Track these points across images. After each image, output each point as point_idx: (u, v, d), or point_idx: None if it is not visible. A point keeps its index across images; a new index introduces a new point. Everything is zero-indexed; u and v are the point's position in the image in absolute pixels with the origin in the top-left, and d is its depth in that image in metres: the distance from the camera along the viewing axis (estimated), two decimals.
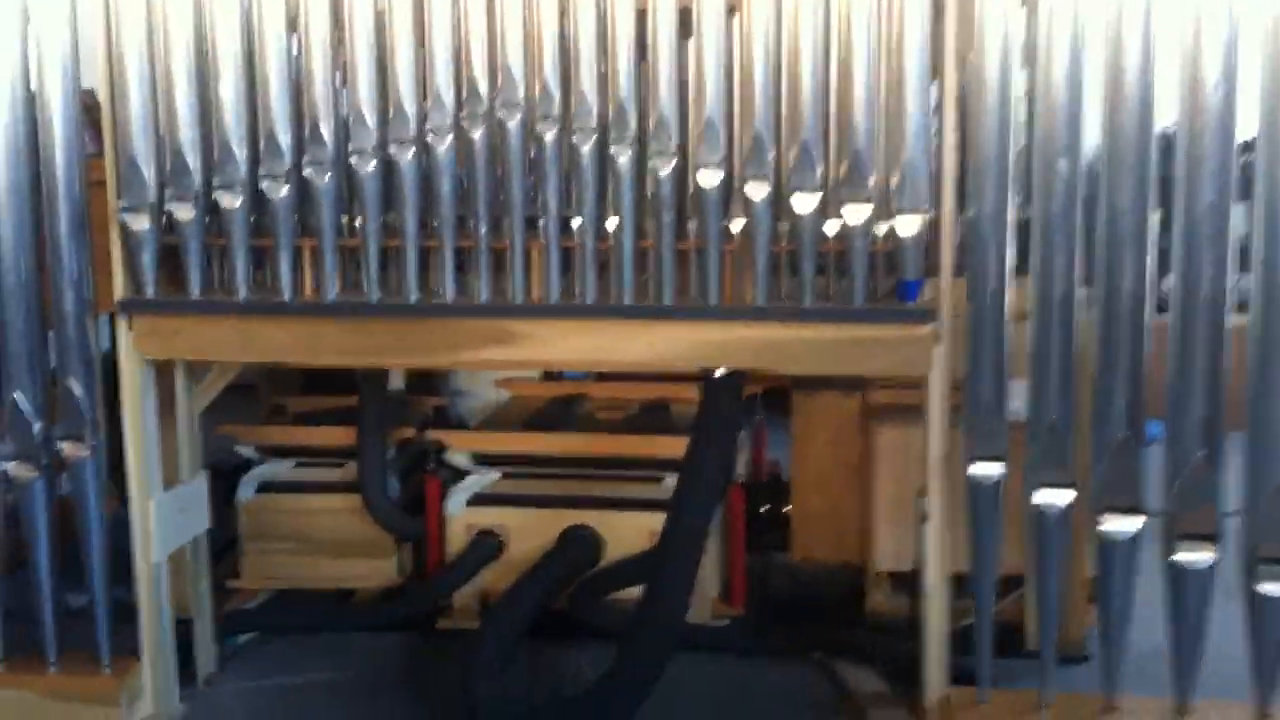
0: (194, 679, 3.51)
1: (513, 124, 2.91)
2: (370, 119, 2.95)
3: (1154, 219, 2.79)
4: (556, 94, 2.90)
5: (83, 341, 3.12)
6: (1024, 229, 2.88)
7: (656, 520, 3.64)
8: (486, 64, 2.92)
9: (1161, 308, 2.83)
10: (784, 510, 4.07)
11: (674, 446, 3.68)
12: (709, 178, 2.88)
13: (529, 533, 3.81)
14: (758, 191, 2.87)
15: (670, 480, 3.71)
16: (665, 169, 2.89)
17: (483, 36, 2.91)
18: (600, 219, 2.98)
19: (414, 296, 3.03)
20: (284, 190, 2.98)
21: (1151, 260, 2.80)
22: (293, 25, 2.97)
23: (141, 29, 2.95)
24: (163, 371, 3.26)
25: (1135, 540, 2.88)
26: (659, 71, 2.85)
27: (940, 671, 3.09)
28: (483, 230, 2.99)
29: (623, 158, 2.90)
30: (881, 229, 2.94)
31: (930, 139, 2.84)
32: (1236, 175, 2.71)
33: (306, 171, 2.97)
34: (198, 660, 3.53)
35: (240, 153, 2.98)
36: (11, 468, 3.14)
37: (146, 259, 3.03)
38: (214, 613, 3.60)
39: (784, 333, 2.95)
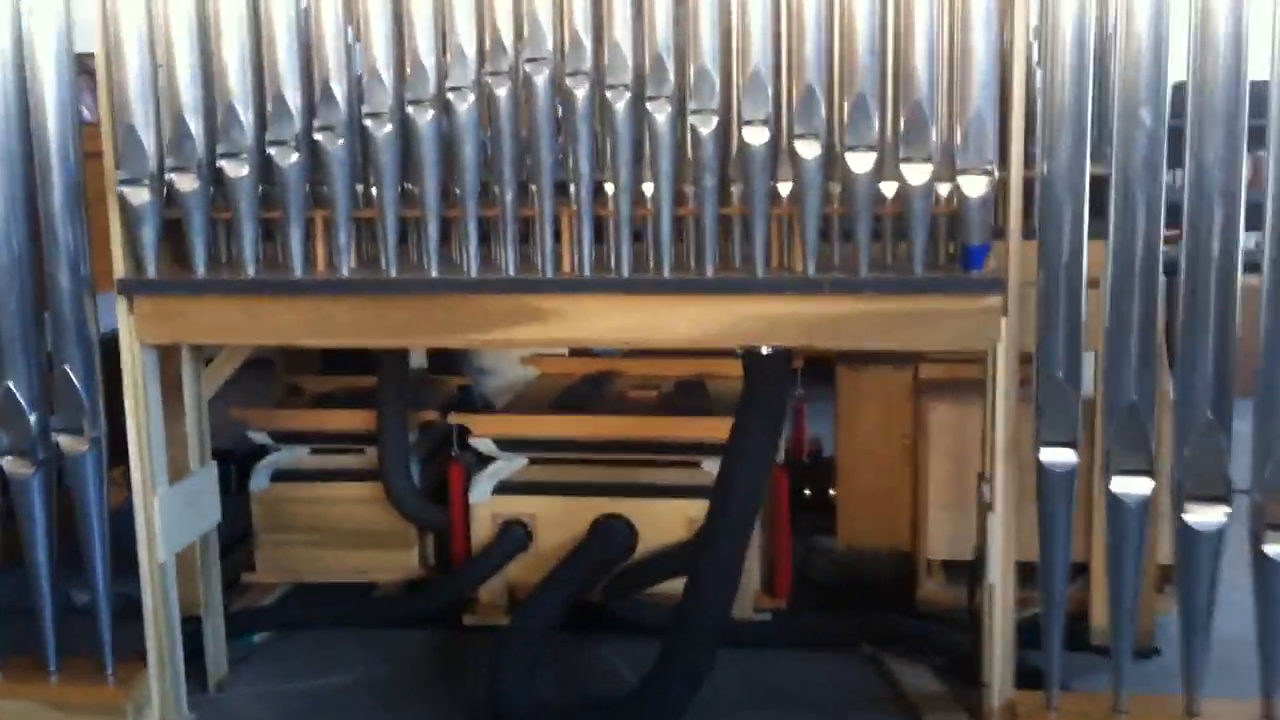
0: (204, 683, 3.30)
1: (540, 80, 2.68)
2: (386, 78, 2.73)
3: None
4: (588, 46, 2.66)
5: (80, 323, 2.91)
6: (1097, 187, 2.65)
7: (694, 508, 3.49)
8: (512, 14, 2.68)
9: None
10: (828, 493, 3.84)
11: (713, 428, 3.50)
12: (755, 136, 2.64)
13: (558, 522, 3.60)
14: (809, 150, 2.63)
15: (709, 465, 3.52)
16: (707, 127, 2.66)
17: None
18: (636, 183, 2.76)
19: (435, 271, 2.81)
20: (294, 157, 2.76)
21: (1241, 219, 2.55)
22: None
23: None
24: (168, 354, 3.05)
25: (1221, 533, 2.64)
26: (700, 19, 2.62)
27: (1006, 674, 2.86)
28: (508, 198, 2.76)
29: (660, 115, 2.66)
30: (943, 190, 2.71)
31: (998, 89, 2.59)
32: None
33: (318, 136, 2.75)
34: (208, 662, 3.32)
35: (246, 117, 2.76)
36: (7, 463, 2.93)
37: (147, 235, 2.82)
38: (225, 610, 3.39)
39: (838, 306, 2.72)
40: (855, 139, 2.62)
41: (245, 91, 2.75)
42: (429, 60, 2.71)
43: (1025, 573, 2.86)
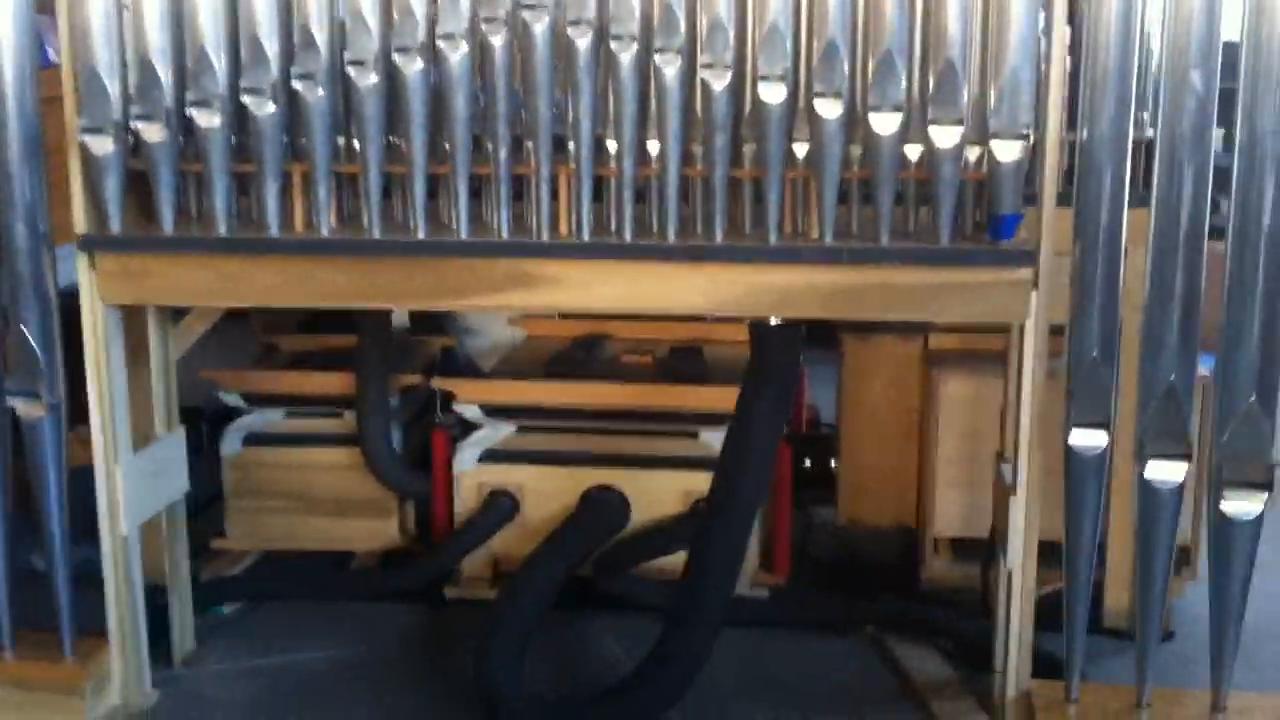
0: (170, 658, 3.12)
1: (539, 28, 2.47)
2: (371, 22, 2.51)
3: None
4: None
5: (38, 278, 2.70)
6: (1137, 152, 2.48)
7: (690, 481, 3.34)
8: None
9: None
10: (829, 465, 3.68)
11: (711, 398, 3.33)
12: (771, 93, 2.44)
13: (547, 493, 3.42)
14: (829, 109, 2.44)
15: (707, 436, 3.35)
16: (719, 82, 2.46)
17: None
18: (641, 141, 2.56)
19: (422, 232, 2.61)
20: (270, 107, 2.55)
21: None
22: None
23: None
24: (133, 313, 2.85)
25: (1259, 521, 2.49)
26: None
27: (1023, 663, 2.71)
28: (502, 154, 2.56)
29: (669, 69, 2.46)
30: (972, 154, 2.52)
31: (1038, 46, 2.40)
32: None
33: (296, 85, 2.54)
34: (174, 636, 3.14)
35: (219, 63, 2.54)
36: None
37: (111, 188, 2.61)
38: (193, 581, 3.21)
39: (857, 276, 2.54)
40: (880, 98, 2.43)
41: (218, 35, 2.53)
42: (418, 4, 2.49)
43: (1039, 550, 2.70)
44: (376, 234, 2.62)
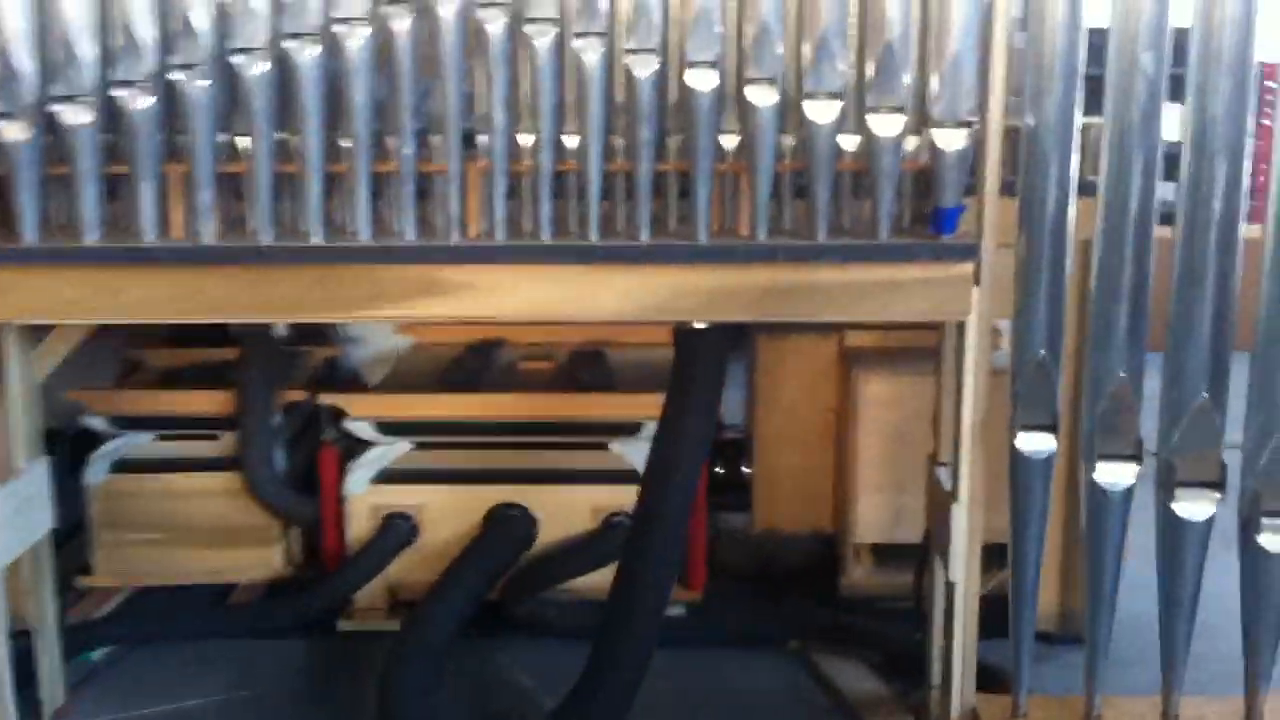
0: (39, 712, 2.82)
1: (447, 11, 2.26)
2: (259, 6, 2.27)
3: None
4: None
5: None
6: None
7: (601, 495, 3.19)
8: None
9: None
10: (740, 471, 3.53)
11: (620, 406, 3.18)
12: (701, 80, 2.27)
13: (447, 514, 3.21)
14: (763, 97, 2.28)
15: (618, 446, 3.18)
16: (644, 70, 2.28)
17: None
18: (559, 134, 2.38)
19: (319, 238, 2.38)
20: (145, 102, 2.29)
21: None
22: None
23: None
24: None
25: (1210, 522, 2.40)
26: None
27: (968, 679, 2.58)
28: (407, 150, 2.34)
29: (589, 55, 2.27)
30: (911, 143, 2.39)
31: (983, 30, 2.27)
32: None
33: (175, 76, 2.29)
34: (42, 687, 2.83)
35: (88, 53, 2.28)
36: None
37: None
38: (61, 624, 2.92)
39: (792, 276, 2.38)
40: (817, 84, 2.28)
41: (86, 21, 2.27)
42: None
43: None
44: (267, 240, 2.38)
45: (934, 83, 2.29)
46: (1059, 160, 2.30)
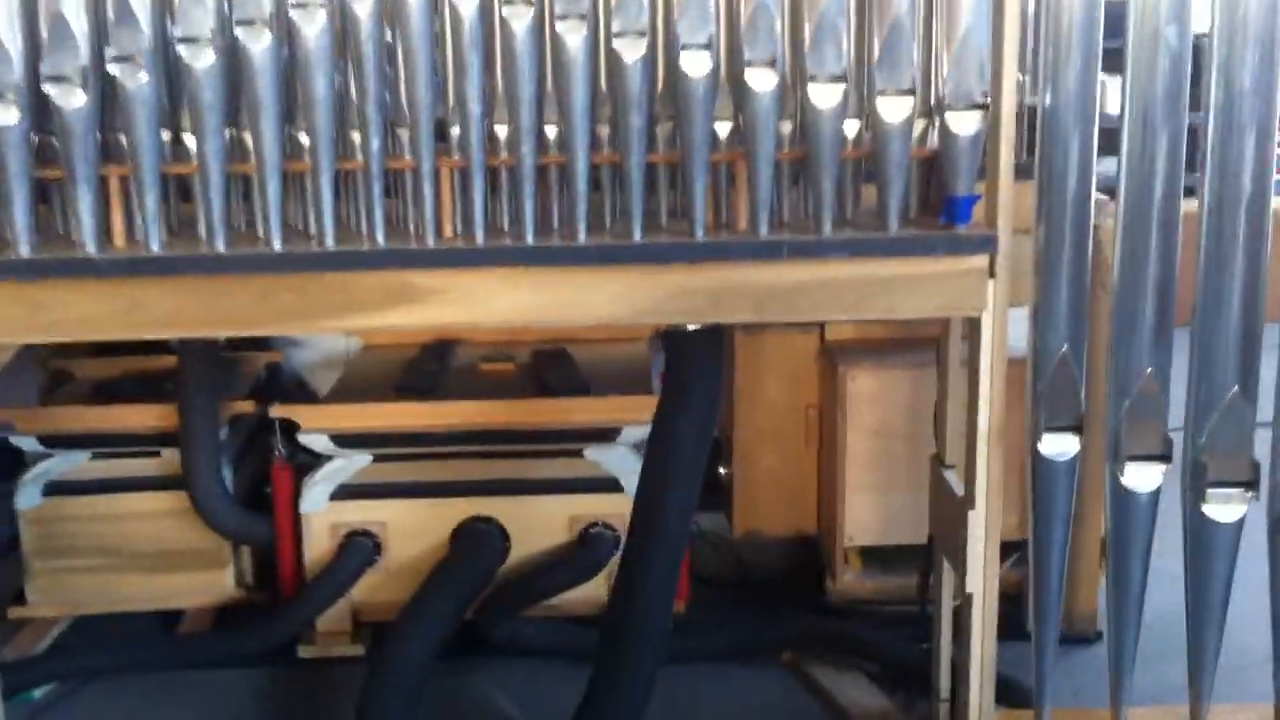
0: None
1: None
2: None
3: None
4: None
5: None
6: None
7: (577, 505, 3.02)
8: None
9: None
10: (718, 472, 3.36)
11: (595, 410, 2.98)
12: (694, 63, 2.08)
13: (413, 531, 3.02)
14: (762, 81, 2.09)
15: (594, 453, 2.99)
16: (632, 53, 2.08)
17: None
18: (540, 125, 2.18)
19: (277, 243, 2.16)
20: (80, 98, 2.05)
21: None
22: None
23: None
24: None
25: (1241, 523, 2.27)
26: None
27: (987, 695, 2.42)
28: (374, 146, 2.13)
29: (573, 37, 2.07)
30: (920, 128, 2.23)
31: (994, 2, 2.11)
32: None
33: (113, 70, 2.05)
34: None
35: (14, 46, 2.03)
36: None
37: None
38: None
39: (797, 273, 2.20)
40: (819, 67, 2.09)
41: (12, 11, 2.02)
42: None
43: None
44: (220, 248, 2.15)
45: (945, 62, 2.12)
46: (1080, 140, 2.14)
